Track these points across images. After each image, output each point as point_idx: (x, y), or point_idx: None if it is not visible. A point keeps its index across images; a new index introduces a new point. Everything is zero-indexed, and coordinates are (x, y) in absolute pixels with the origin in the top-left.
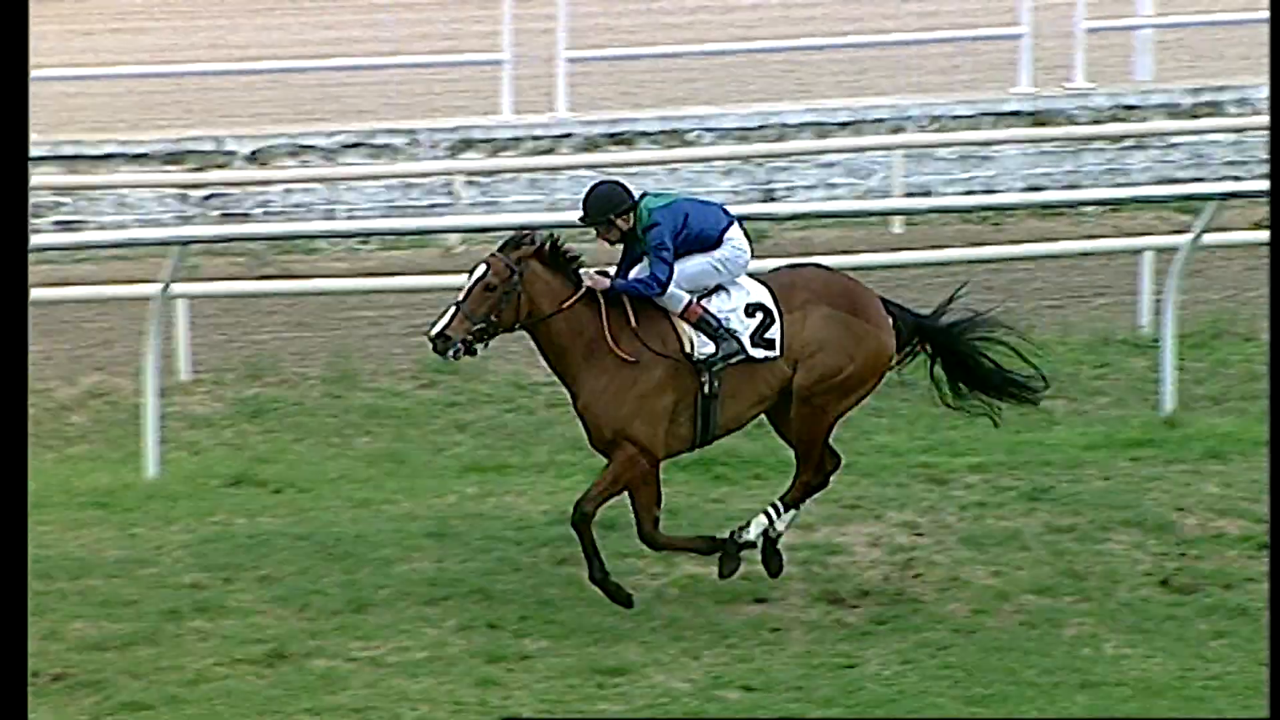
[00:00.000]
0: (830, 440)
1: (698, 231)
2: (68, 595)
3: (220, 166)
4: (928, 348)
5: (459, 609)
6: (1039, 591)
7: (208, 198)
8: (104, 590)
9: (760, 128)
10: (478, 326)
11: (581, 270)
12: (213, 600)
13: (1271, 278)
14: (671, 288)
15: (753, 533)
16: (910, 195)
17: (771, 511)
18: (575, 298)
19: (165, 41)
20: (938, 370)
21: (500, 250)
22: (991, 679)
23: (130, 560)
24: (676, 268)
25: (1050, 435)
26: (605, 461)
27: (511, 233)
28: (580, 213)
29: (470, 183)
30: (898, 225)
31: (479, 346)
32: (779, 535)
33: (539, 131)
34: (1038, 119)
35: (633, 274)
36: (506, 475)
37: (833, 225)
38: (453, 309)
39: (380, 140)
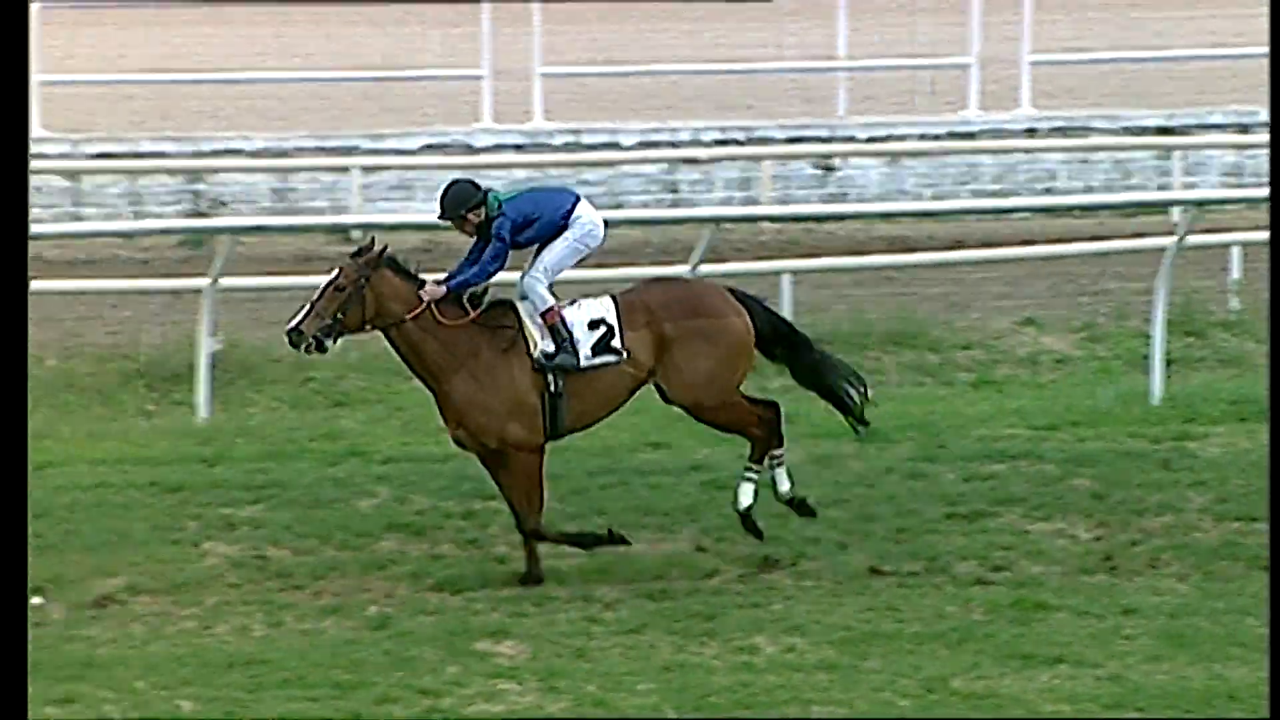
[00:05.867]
0: (754, 398)
1: (547, 217)
2: None
3: None
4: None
5: None
6: None
7: None
8: None
9: None
10: (325, 324)
11: (423, 288)
12: None
13: (1271, 278)
14: (540, 288)
15: (744, 501)
16: None
17: (750, 474)
18: (421, 308)
19: None
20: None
21: (351, 257)
22: None
23: None
24: (547, 259)
25: None
26: None
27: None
28: (437, 210)
29: None
30: None
31: (329, 342)
32: (784, 493)
33: None
34: None
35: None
36: None
37: None
38: (307, 306)
39: None
